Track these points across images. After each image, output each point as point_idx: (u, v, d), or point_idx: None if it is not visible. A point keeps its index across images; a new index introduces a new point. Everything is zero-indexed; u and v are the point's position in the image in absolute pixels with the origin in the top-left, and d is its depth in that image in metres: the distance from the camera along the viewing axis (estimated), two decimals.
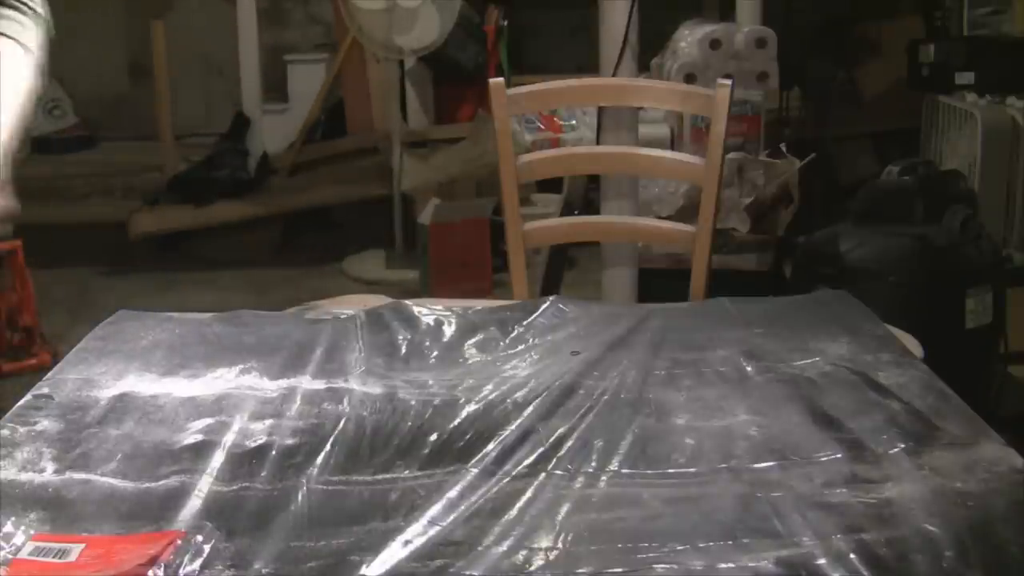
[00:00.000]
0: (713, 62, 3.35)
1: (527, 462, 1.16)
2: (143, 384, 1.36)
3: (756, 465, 1.14)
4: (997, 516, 1.02)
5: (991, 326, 2.56)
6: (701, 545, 0.99)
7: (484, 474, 1.13)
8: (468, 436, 1.21)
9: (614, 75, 2.46)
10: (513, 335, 1.51)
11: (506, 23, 5.05)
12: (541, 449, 1.18)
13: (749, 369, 1.38)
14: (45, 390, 1.33)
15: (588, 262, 3.66)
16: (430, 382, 1.35)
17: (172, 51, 5.02)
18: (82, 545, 1.00)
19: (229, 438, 1.20)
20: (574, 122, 4.63)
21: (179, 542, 1.01)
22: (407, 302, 1.60)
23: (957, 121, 3.64)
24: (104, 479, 1.12)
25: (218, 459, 1.16)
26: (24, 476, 1.13)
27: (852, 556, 0.96)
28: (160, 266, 4.47)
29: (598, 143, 2.57)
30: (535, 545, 1.01)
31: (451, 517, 1.03)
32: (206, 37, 5.67)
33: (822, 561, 0.95)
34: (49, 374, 1.39)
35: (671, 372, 1.38)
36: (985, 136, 3.41)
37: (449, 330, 1.52)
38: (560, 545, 1.01)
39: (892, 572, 0.94)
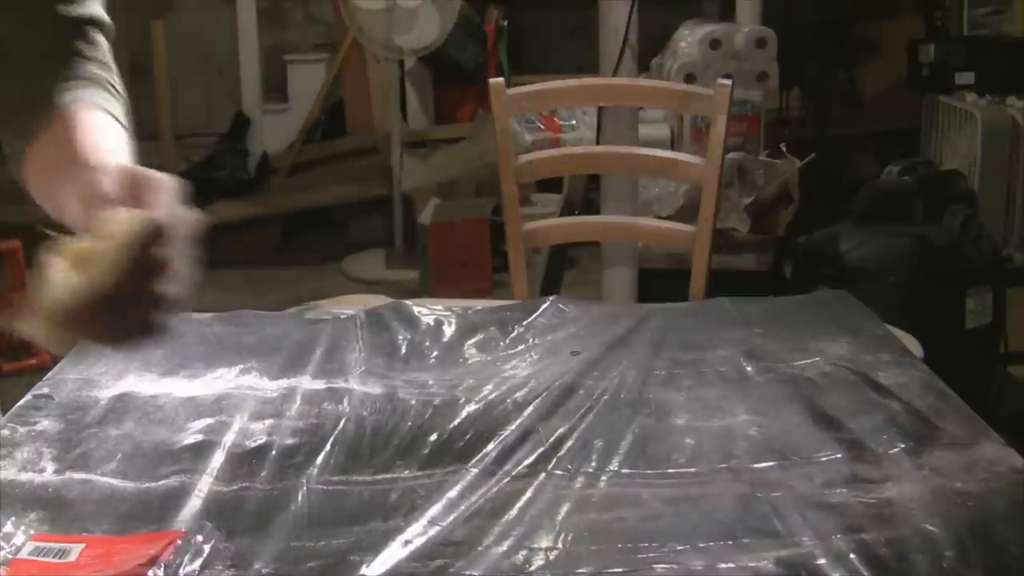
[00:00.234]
0: (713, 62, 3.35)
1: (527, 462, 1.16)
2: (143, 384, 1.36)
3: (756, 465, 1.14)
4: (997, 516, 1.02)
5: (991, 326, 2.57)
6: (701, 545, 0.99)
7: (484, 474, 1.13)
8: (468, 436, 1.21)
9: (614, 75, 2.46)
10: (513, 335, 1.51)
11: (506, 23, 5.05)
12: (541, 449, 1.18)
13: (749, 369, 1.38)
14: (45, 390, 1.33)
15: (588, 262, 3.66)
16: (430, 382, 1.35)
17: (172, 51, 5.02)
18: (82, 545, 1.00)
19: (229, 438, 1.20)
20: (574, 122, 4.63)
21: (179, 542, 1.01)
22: (407, 302, 1.60)
23: (957, 121, 3.64)
24: (104, 479, 1.12)
25: (218, 459, 1.16)
26: (24, 476, 1.13)
27: (852, 556, 0.96)
28: None
29: (598, 143, 2.58)
30: (535, 545, 1.01)
31: (451, 517, 1.03)
32: (206, 37, 5.66)
33: (822, 561, 0.95)
34: (49, 374, 1.39)
35: (671, 372, 1.38)
36: (985, 136, 3.41)
37: (449, 330, 1.52)
38: (560, 545, 1.01)
39: (892, 572, 0.94)
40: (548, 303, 1.60)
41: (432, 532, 1.01)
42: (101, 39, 1.05)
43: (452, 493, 1.08)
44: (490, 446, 1.19)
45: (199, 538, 1.01)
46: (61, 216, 0.96)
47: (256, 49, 5.08)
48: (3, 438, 1.20)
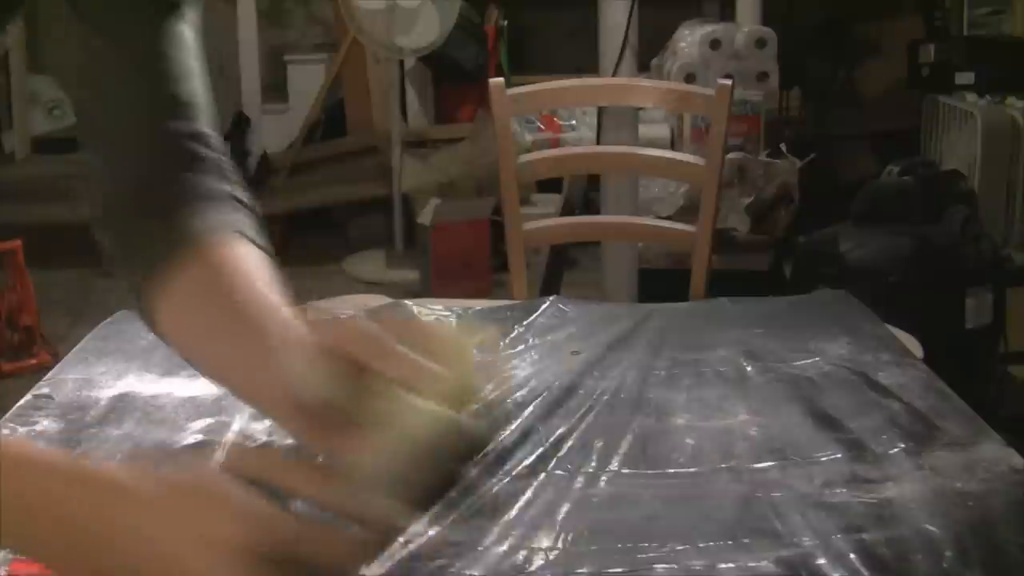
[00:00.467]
0: (713, 62, 3.35)
1: (527, 462, 1.16)
2: (143, 384, 1.36)
3: (756, 465, 1.14)
4: (997, 516, 1.02)
5: (991, 326, 2.57)
6: (701, 545, 0.99)
7: (484, 474, 1.13)
8: None
9: (614, 75, 2.46)
10: (513, 335, 1.51)
11: (506, 23, 5.05)
12: (541, 449, 1.18)
13: (749, 369, 1.38)
14: (45, 390, 1.33)
15: (588, 262, 3.66)
16: None
17: None
18: None
19: (229, 438, 1.20)
20: (574, 122, 4.63)
21: None
22: (407, 302, 1.60)
23: (957, 121, 3.64)
24: None
25: (218, 459, 1.16)
26: None
27: (852, 556, 0.96)
28: None
29: (598, 143, 2.58)
30: (535, 545, 1.01)
31: (451, 517, 1.03)
32: (206, 37, 5.66)
33: (822, 561, 0.95)
34: (49, 374, 1.39)
35: (671, 372, 1.38)
36: (985, 136, 3.41)
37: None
38: (560, 545, 1.01)
39: (892, 572, 0.94)
40: (548, 303, 1.60)
41: (432, 532, 1.00)
42: (217, 152, 0.93)
43: (452, 493, 1.08)
44: (490, 446, 1.19)
45: None
46: (229, 384, 0.85)
47: (256, 49, 5.08)
48: (3, 438, 1.20)
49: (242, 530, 0.66)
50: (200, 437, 1.21)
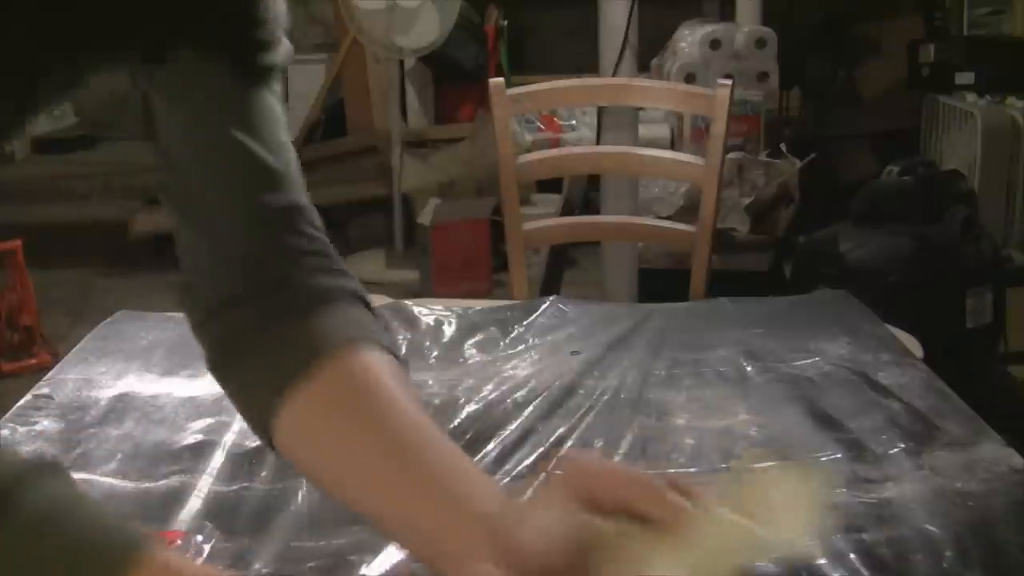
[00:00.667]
0: (713, 62, 3.35)
1: (527, 462, 1.16)
2: (143, 384, 1.36)
3: (756, 465, 1.14)
4: (997, 516, 1.02)
5: (991, 326, 2.57)
6: None
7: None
8: (468, 436, 1.21)
9: (614, 75, 2.46)
10: (513, 335, 1.51)
11: (506, 23, 5.05)
12: (541, 449, 1.18)
13: (749, 369, 1.38)
14: (45, 390, 1.33)
15: (588, 262, 3.66)
16: (430, 382, 1.35)
17: None
18: None
19: (229, 438, 1.20)
20: (574, 122, 4.63)
21: (179, 542, 1.01)
22: (407, 302, 1.60)
23: (957, 121, 3.64)
24: (104, 479, 1.12)
25: (218, 459, 1.16)
26: None
27: (852, 556, 0.96)
28: (160, 266, 4.47)
29: (598, 143, 2.58)
30: None
31: None
32: None
33: (822, 561, 0.95)
34: (49, 374, 1.39)
35: (671, 372, 1.38)
36: (985, 136, 3.41)
37: (449, 330, 1.52)
38: None
39: (892, 572, 0.94)
40: (548, 303, 1.60)
41: None
42: (318, 230, 0.86)
43: None
44: (490, 446, 1.19)
45: (199, 538, 1.01)
46: (384, 515, 0.74)
47: None
48: (3, 438, 1.20)
49: None
50: (200, 437, 1.21)
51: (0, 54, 0.66)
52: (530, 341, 1.49)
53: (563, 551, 0.65)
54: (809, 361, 1.39)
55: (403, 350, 1.45)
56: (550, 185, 3.64)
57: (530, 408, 1.27)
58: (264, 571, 0.97)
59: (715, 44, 3.36)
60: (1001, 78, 3.62)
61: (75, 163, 5.57)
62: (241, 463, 1.15)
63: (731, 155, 3.17)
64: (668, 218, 2.92)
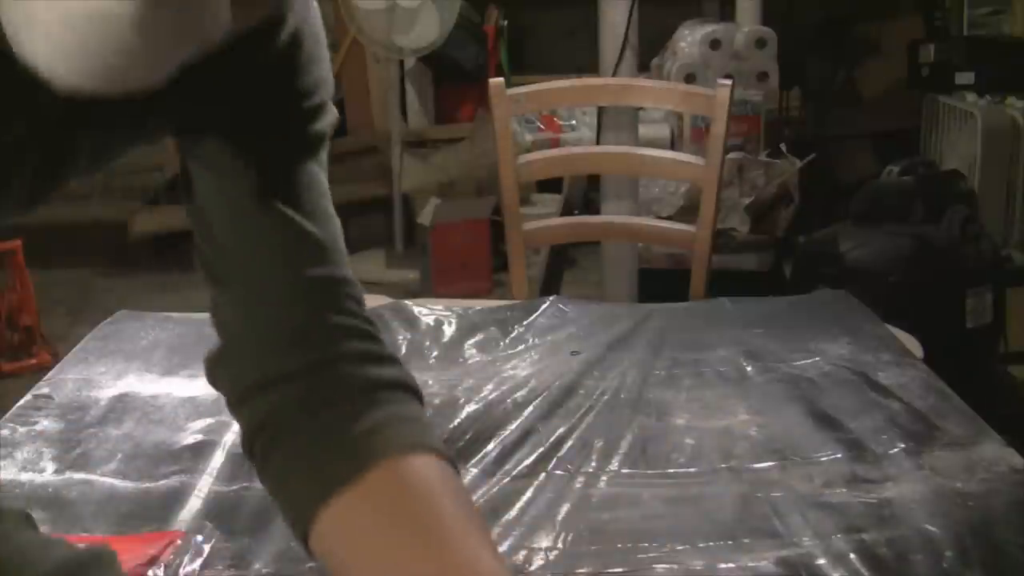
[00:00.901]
0: (713, 62, 3.35)
1: (527, 462, 1.16)
2: (143, 384, 1.36)
3: (756, 465, 1.14)
4: (997, 516, 1.02)
5: (991, 326, 2.56)
6: (701, 545, 0.99)
7: (484, 474, 1.13)
8: (468, 436, 1.21)
9: (614, 75, 2.46)
10: (513, 335, 1.51)
11: (506, 23, 5.04)
12: (541, 449, 1.18)
13: (749, 369, 1.38)
14: (45, 390, 1.33)
15: (588, 262, 3.66)
16: (430, 382, 1.35)
17: None
18: (82, 545, 1.00)
19: (229, 438, 1.20)
20: (574, 122, 4.62)
21: (179, 542, 1.01)
22: (407, 302, 1.60)
23: (957, 121, 3.64)
24: (104, 479, 1.13)
25: (218, 459, 1.16)
26: (24, 476, 1.13)
27: (852, 556, 0.96)
28: (160, 266, 4.47)
29: (598, 143, 2.58)
30: (535, 545, 1.01)
31: None
32: None
33: (822, 561, 0.95)
34: (49, 374, 1.39)
35: (671, 372, 1.38)
36: (985, 136, 3.41)
37: (449, 330, 1.52)
38: (560, 545, 1.01)
39: (892, 572, 0.94)
40: (548, 303, 1.60)
41: None
42: (361, 304, 0.83)
43: None
44: (490, 446, 1.19)
45: (199, 538, 1.02)
46: None
47: None
48: (3, 438, 1.20)
49: None
50: (200, 437, 1.21)
51: (33, 133, 0.64)
52: (530, 341, 1.49)
53: None
54: (809, 361, 1.39)
55: (403, 350, 1.45)
56: (550, 185, 3.64)
57: (530, 408, 1.27)
58: (264, 571, 0.97)
59: (715, 44, 3.36)
60: (1001, 78, 3.62)
61: None
62: (241, 463, 1.15)
63: (731, 155, 3.17)
64: (668, 218, 2.92)
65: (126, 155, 0.76)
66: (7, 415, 1.26)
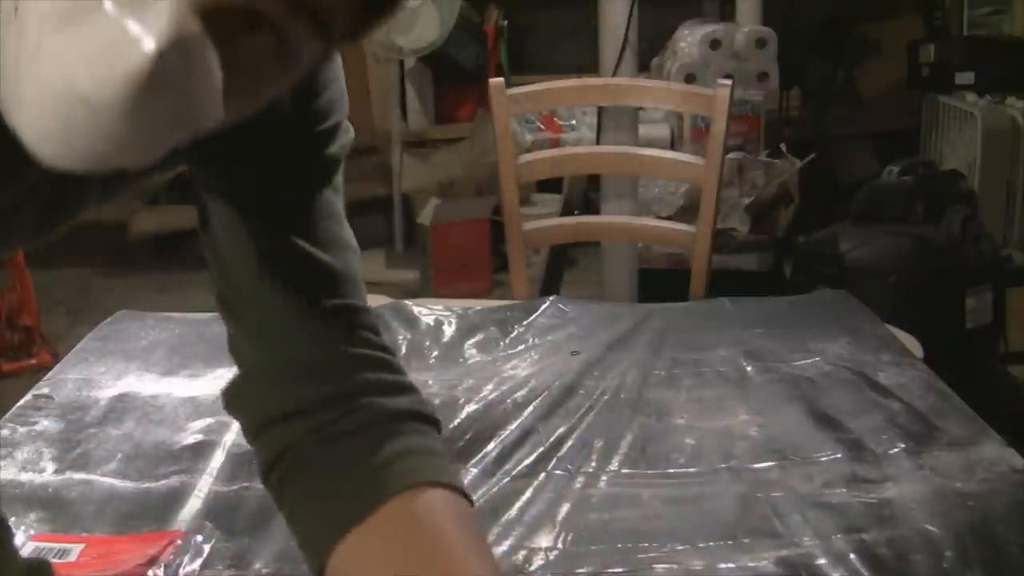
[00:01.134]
0: (713, 62, 3.35)
1: (527, 462, 1.16)
2: (143, 384, 1.36)
3: (756, 465, 1.14)
4: (997, 516, 1.02)
5: (991, 326, 2.56)
6: (701, 545, 0.99)
7: (484, 474, 1.13)
8: (468, 436, 1.21)
9: (614, 75, 2.46)
10: (513, 335, 1.51)
11: (506, 23, 5.04)
12: (541, 449, 1.18)
13: (749, 369, 1.38)
14: (45, 390, 1.33)
15: (588, 262, 3.66)
16: (430, 382, 1.35)
17: None
18: (82, 545, 1.00)
19: (229, 438, 1.20)
20: (574, 122, 4.62)
21: (179, 542, 1.01)
22: (407, 302, 1.60)
23: (957, 121, 3.63)
24: (104, 479, 1.13)
25: (218, 459, 1.16)
26: (24, 476, 1.13)
27: (852, 556, 0.96)
28: (160, 266, 4.47)
29: (598, 143, 2.57)
30: (535, 545, 1.01)
31: None
32: None
33: (822, 561, 0.95)
34: (49, 374, 1.39)
35: (671, 372, 1.38)
36: (985, 136, 3.41)
37: (449, 330, 1.52)
38: (560, 545, 1.01)
39: (892, 572, 0.94)
40: (548, 303, 1.60)
41: None
42: (378, 334, 0.82)
43: None
44: (490, 446, 1.19)
45: (199, 538, 1.02)
46: None
47: None
48: (3, 438, 1.20)
49: None
50: (200, 437, 1.21)
51: (45, 177, 0.63)
52: (530, 341, 1.49)
53: None
54: (809, 361, 1.39)
55: (403, 350, 1.45)
56: (550, 185, 3.63)
57: (530, 408, 1.27)
58: (264, 571, 0.97)
59: (715, 44, 3.36)
60: (1001, 78, 3.61)
61: None
62: (241, 463, 1.15)
63: (731, 155, 3.17)
64: (668, 218, 2.92)
65: (136, 185, 0.76)
66: (7, 415, 1.26)
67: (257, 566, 0.97)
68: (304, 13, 0.55)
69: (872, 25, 4.53)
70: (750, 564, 0.96)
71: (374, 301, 1.65)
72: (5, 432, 1.21)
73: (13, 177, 0.64)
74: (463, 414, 1.26)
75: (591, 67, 2.68)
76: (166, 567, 0.97)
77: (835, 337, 1.46)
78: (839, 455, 1.15)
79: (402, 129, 4.62)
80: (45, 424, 1.24)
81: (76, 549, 0.99)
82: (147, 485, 1.12)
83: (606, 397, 1.30)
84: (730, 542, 1.00)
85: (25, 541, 1.00)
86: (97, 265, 4.48)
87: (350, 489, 0.75)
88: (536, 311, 1.58)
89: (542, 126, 4.64)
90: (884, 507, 1.04)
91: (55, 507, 1.07)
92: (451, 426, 1.23)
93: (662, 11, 3.46)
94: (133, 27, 0.49)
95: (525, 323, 1.54)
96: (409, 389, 0.81)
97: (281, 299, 0.77)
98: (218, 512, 1.06)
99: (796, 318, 1.56)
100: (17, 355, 3.36)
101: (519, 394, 1.31)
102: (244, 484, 1.11)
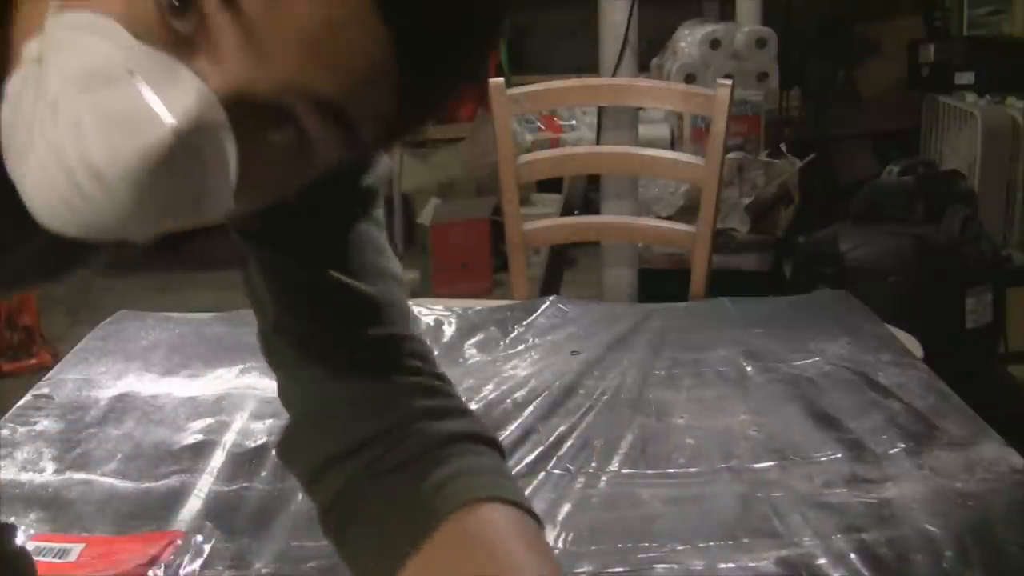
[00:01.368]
0: (713, 62, 3.34)
1: (527, 462, 1.16)
2: (143, 384, 1.36)
3: (756, 465, 1.14)
4: (997, 516, 1.02)
5: (991, 326, 2.56)
6: (701, 545, 0.99)
7: None
8: None
9: (614, 75, 2.46)
10: (513, 335, 1.51)
11: (506, 23, 5.04)
12: (541, 449, 1.18)
13: (749, 369, 1.38)
14: (45, 390, 1.33)
15: (588, 262, 3.66)
16: None
17: None
18: (82, 545, 1.00)
19: (229, 438, 1.20)
20: (574, 122, 4.62)
21: (179, 542, 1.01)
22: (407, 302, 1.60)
23: (957, 121, 3.63)
24: (104, 479, 1.13)
25: (218, 459, 1.16)
26: (24, 476, 1.13)
27: (852, 556, 0.96)
28: (160, 266, 4.46)
29: (598, 143, 2.57)
30: None
31: None
32: None
33: (822, 561, 0.95)
34: (49, 374, 1.39)
35: (671, 372, 1.38)
36: (985, 136, 3.41)
37: (449, 330, 1.52)
38: (560, 545, 1.01)
39: (892, 572, 0.94)
40: (548, 303, 1.60)
41: None
42: (428, 362, 0.81)
43: None
44: None
45: (199, 538, 1.02)
46: None
47: None
48: (3, 438, 1.20)
49: None
50: (200, 437, 1.21)
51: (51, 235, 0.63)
52: (530, 341, 1.49)
53: None
54: (809, 361, 1.39)
55: None
56: (550, 185, 3.63)
57: (530, 408, 1.27)
58: (264, 571, 0.97)
59: (715, 44, 3.36)
60: (1001, 78, 3.61)
61: None
62: (241, 463, 1.15)
63: (731, 155, 3.17)
64: (668, 218, 2.92)
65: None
66: (7, 415, 1.26)
67: (257, 566, 0.97)
68: (332, 115, 0.52)
69: (872, 25, 4.53)
70: (750, 564, 0.96)
71: None
72: (5, 432, 1.21)
73: (21, 243, 0.63)
74: None
75: (591, 67, 2.68)
76: (166, 567, 0.97)
77: (835, 337, 1.46)
78: (839, 455, 1.15)
79: None
80: (45, 424, 1.24)
81: (76, 549, 0.99)
82: (147, 485, 1.12)
83: (606, 397, 1.30)
84: (730, 542, 1.00)
85: (25, 541, 1.00)
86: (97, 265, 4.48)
87: (401, 520, 0.72)
88: (536, 311, 1.58)
89: (542, 126, 4.64)
90: (884, 507, 1.04)
91: (55, 507, 1.07)
92: None
93: (662, 11, 3.45)
94: (156, 102, 0.47)
95: (525, 323, 1.54)
96: (460, 412, 0.78)
97: (321, 334, 0.76)
98: (218, 512, 1.06)
99: (796, 318, 1.56)
100: (17, 355, 3.36)
101: (519, 394, 1.31)
102: (244, 484, 1.11)
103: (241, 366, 1.40)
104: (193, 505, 1.07)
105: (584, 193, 3.51)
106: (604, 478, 1.13)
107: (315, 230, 0.75)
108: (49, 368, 1.45)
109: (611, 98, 2.21)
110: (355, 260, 0.76)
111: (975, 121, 3.47)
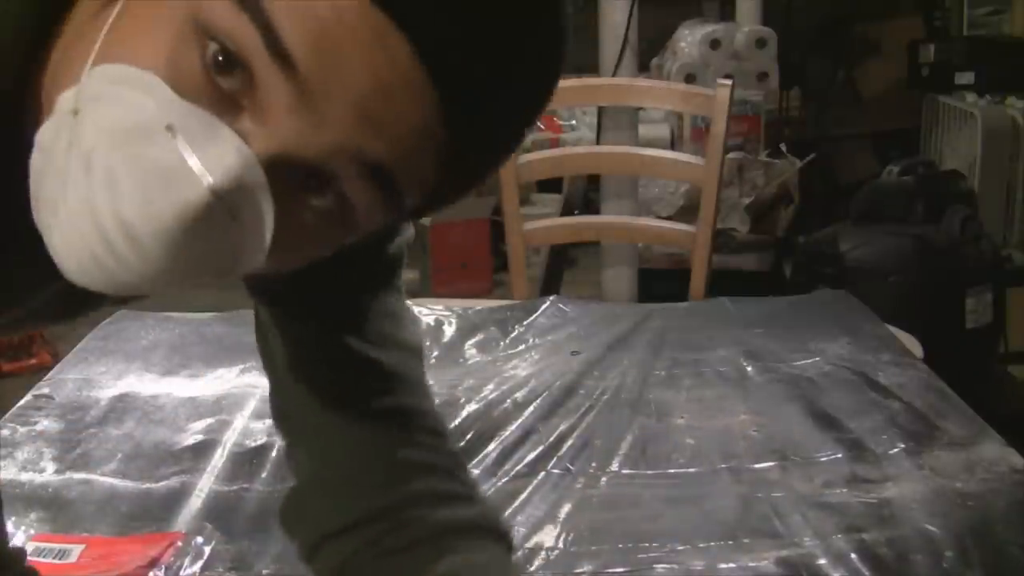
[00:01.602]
0: (713, 62, 3.34)
1: (527, 462, 1.16)
2: (143, 384, 1.36)
3: (756, 465, 1.14)
4: (997, 516, 1.02)
5: (991, 326, 2.56)
6: (701, 545, 0.99)
7: (485, 474, 1.13)
8: (469, 436, 1.21)
9: (614, 75, 2.46)
10: (513, 335, 1.51)
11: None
12: (541, 449, 1.18)
13: (749, 369, 1.38)
14: (45, 390, 1.33)
15: (588, 262, 3.66)
16: (430, 382, 1.35)
17: None
18: (82, 546, 1.00)
19: (230, 438, 1.20)
20: (574, 122, 4.62)
21: (179, 544, 1.01)
22: (407, 302, 1.60)
23: (957, 121, 3.63)
24: (104, 479, 1.13)
25: (218, 459, 1.16)
26: (24, 476, 1.13)
27: (852, 556, 0.96)
28: None
29: (598, 143, 2.57)
30: (536, 545, 1.01)
31: None
32: None
33: (822, 561, 0.95)
34: (49, 374, 1.39)
35: (671, 372, 1.38)
36: (985, 136, 3.41)
37: (449, 330, 1.52)
38: (560, 545, 1.01)
39: (892, 572, 0.94)
40: (548, 303, 1.60)
41: None
42: (436, 435, 0.79)
43: None
44: (491, 446, 1.19)
45: (199, 539, 1.01)
46: None
47: None
48: (3, 438, 1.20)
49: None
50: (200, 437, 1.21)
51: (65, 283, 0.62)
52: (530, 341, 1.49)
53: None
54: (809, 361, 1.39)
55: None
56: (550, 185, 3.63)
57: (530, 408, 1.27)
58: (264, 572, 0.97)
59: (715, 44, 3.36)
60: (1001, 78, 3.61)
61: None
62: (241, 463, 1.15)
63: (731, 155, 3.17)
64: (668, 218, 2.92)
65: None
66: (7, 415, 1.26)
67: (258, 567, 0.97)
68: (379, 181, 0.51)
69: (872, 25, 4.53)
70: (750, 564, 0.96)
71: None
72: (5, 432, 1.21)
73: (41, 288, 0.62)
74: (464, 414, 1.26)
75: (591, 67, 2.68)
76: (167, 569, 0.97)
77: (835, 337, 1.46)
78: (839, 455, 1.15)
79: None
80: (45, 424, 1.24)
81: (76, 550, 0.99)
82: (147, 485, 1.12)
83: (606, 397, 1.30)
84: (730, 542, 1.00)
85: (25, 541, 1.00)
86: None
87: None
88: (536, 311, 1.58)
89: (542, 126, 4.63)
90: (884, 507, 1.04)
91: (55, 507, 1.07)
92: (452, 426, 1.22)
93: (662, 11, 3.45)
94: (195, 161, 0.46)
95: (525, 323, 1.54)
96: (468, 499, 0.77)
97: (329, 402, 0.74)
98: (218, 512, 1.06)
99: (796, 318, 1.56)
100: (17, 355, 3.36)
101: (519, 394, 1.31)
102: (244, 484, 1.11)
103: (241, 366, 1.40)
104: (193, 505, 1.07)
105: (584, 193, 3.51)
106: (604, 478, 1.13)
107: (334, 296, 0.73)
108: (49, 368, 1.45)
109: (611, 98, 2.21)
110: (372, 329, 0.75)
111: (975, 121, 3.47)
